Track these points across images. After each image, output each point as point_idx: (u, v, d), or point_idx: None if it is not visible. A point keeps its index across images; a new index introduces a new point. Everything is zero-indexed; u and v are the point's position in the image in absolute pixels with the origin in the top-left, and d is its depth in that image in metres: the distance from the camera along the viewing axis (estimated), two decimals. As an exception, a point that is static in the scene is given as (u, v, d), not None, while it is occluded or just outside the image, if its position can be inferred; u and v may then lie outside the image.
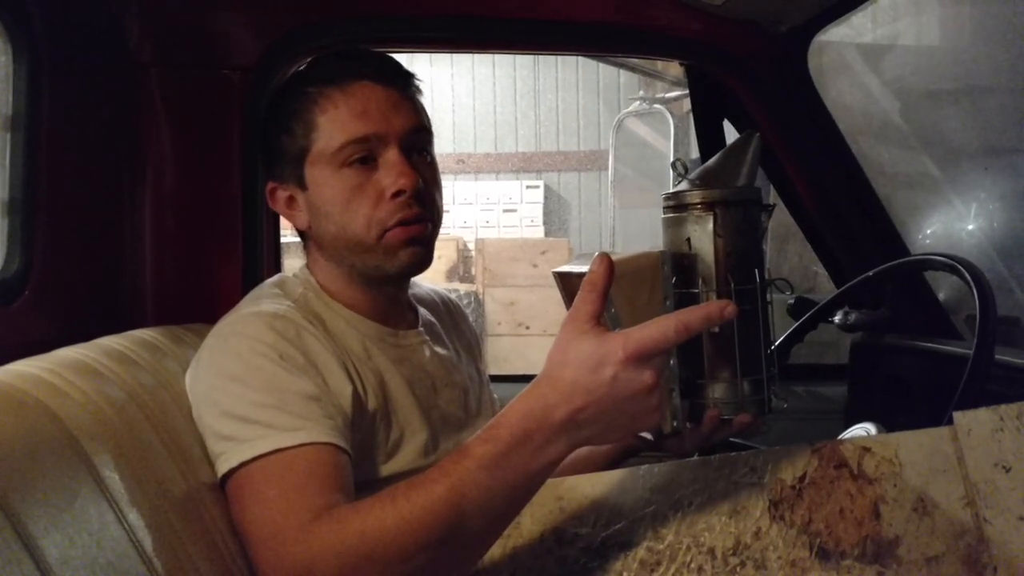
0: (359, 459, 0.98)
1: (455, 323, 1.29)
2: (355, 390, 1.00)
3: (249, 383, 0.94)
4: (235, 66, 1.34)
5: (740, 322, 0.96)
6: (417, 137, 1.08)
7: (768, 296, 0.99)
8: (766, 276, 0.99)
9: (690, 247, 0.98)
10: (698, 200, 0.98)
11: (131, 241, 1.30)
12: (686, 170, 1.05)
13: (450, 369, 1.17)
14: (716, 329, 0.95)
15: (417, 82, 1.13)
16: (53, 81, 1.09)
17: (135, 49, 1.29)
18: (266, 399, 0.92)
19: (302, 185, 1.09)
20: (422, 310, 1.21)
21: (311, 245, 1.12)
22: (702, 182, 1.01)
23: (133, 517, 0.80)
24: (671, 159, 5.30)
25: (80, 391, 0.85)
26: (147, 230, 1.31)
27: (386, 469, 1.03)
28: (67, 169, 1.14)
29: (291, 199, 1.11)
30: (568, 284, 1.07)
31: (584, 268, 0.99)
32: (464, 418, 1.15)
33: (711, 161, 1.05)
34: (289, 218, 1.13)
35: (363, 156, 1.05)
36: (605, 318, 0.95)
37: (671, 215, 1.01)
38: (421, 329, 1.17)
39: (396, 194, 1.04)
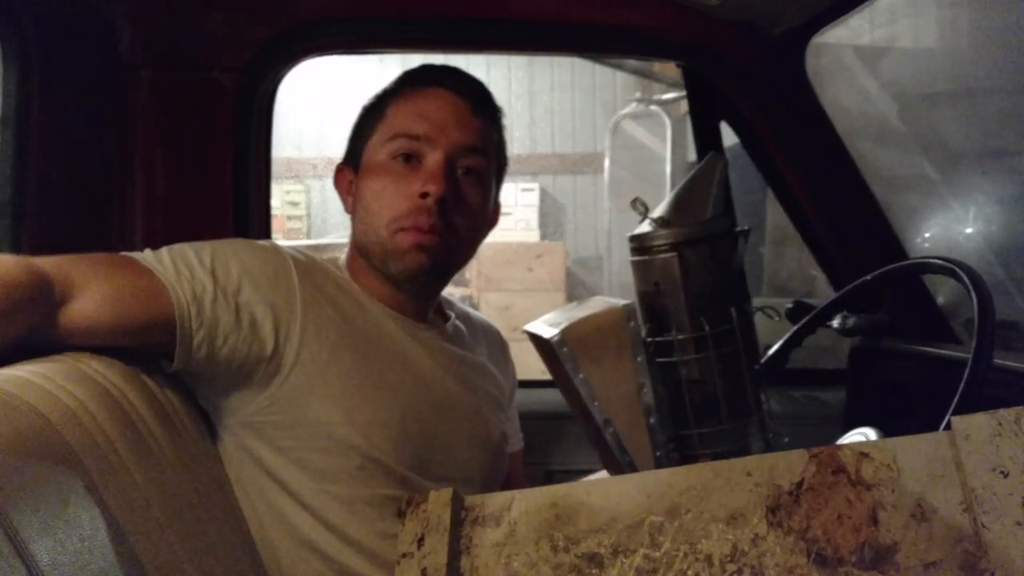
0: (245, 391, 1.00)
1: (494, 354, 1.29)
2: (285, 330, 1.00)
3: (205, 246, 1.01)
4: (225, 68, 1.34)
5: (720, 366, 0.92)
6: (470, 156, 1.08)
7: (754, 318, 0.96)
8: (751, 308, 0.95)
9: (659, 291, 0.93)
10: (661, 242, 0.93)
11: (121, 242, 1.29)
12: (647, 210, 1.00)
13: (465, 366, 1.17)
14: (697, 376, 0.91)
15: (499, 114, 1.16)
16: (43, 82, 1.09)
17: (125, 51, 1.29)
18: (197, 253, 0.99)
19: (357, 169, 1.12)
20: (457, 322, 1.21)
21: (351, 232, 1.15)
22: (665, 221, 0.95)
23: (124, 522, 0.80)
24: (668, 160, 5.30)
25: (71, 395, 0.85)
26: (137, 231, 1.31)
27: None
28: (57, 170, 1.13)
29: (350, 183, 1.14)
30: (539, 343, 1.04)
31: (553, 332, 0.96)
32: (464, 400, 1.14)
33: (675, 192, 1.00)
34: (344, 201, 1.16)
35: (407, 153, 1.06)
36: (576, 384, 0.93)
37: (637, 259, 0.96)
38: (448, 329, 1.18)
39: (422, 196, 1.05)
